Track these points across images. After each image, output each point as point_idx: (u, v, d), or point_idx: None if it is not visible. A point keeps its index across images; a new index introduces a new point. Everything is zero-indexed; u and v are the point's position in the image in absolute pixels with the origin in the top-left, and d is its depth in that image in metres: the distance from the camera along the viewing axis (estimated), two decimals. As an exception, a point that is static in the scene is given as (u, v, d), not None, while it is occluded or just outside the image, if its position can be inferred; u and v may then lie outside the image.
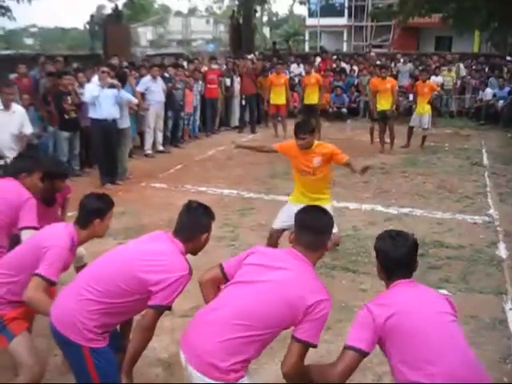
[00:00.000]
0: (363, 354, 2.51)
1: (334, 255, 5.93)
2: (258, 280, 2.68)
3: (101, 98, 8.74)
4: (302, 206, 3.20)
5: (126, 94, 9.25)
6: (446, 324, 2.52)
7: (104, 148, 8.91)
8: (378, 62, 16.22)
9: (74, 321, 2.81)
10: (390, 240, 2.70)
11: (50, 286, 3.13)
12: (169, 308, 2.91)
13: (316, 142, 5.21)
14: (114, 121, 9.02)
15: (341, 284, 5.24)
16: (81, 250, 3.89)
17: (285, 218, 5.09)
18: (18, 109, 6.75)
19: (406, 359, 2.42)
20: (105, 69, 8.99)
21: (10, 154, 6.13)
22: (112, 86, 8.80)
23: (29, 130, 6.78)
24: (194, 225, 3.02)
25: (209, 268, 3.00)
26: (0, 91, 6.61)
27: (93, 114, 8.94)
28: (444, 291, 5.14)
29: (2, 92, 6.64)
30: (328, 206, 5.06)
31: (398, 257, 2.64)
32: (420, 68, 15.62)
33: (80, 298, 2.85)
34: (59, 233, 3.25)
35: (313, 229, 2.81)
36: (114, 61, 11.34)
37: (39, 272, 3.06)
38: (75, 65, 11.73)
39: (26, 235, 3.59)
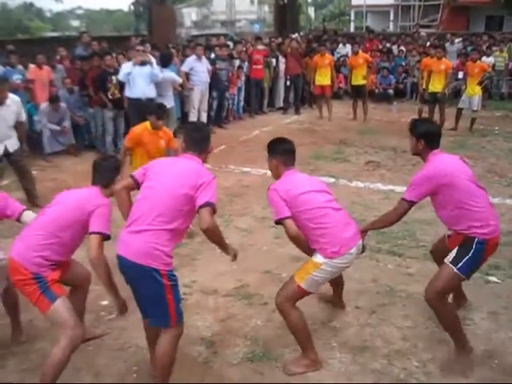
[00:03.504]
0: (413, 205, 3.82)
1: (378, 238, 5.83)
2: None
3: (134, 76, 8.74)
4: None
5: (166, 73, 9.22)
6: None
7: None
8: (428, 43, 15.78)
9: (149, 249, 3.16)
10: (429, 123, 4.04)
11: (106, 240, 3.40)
12: (215, 207, 3.26)
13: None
14: (150, 100, 8.91)
15: (386, 268, 5.14)
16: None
17: None
18: (13, 101, 6.62)
19: (462, 204, 3.61)
20: (139, 47, 8.97)
21: (8, 142, 6.62)
22: (144, 64, 8.78)
23: (23, 117, 6.93)
24: (205, 137, 3.70)
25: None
26: None
27: (128, 92, 8.99)
28: (493, 278, 5.00)
29: None
30: None
31: (439, 133, 3.86)
32: (469, 48, 15.12)
33: (151, 229, 3.21)
34: (96, 194, 3.57)
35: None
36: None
37: (99, 230, 3.36)
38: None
39: (27, 216, 3.90)
